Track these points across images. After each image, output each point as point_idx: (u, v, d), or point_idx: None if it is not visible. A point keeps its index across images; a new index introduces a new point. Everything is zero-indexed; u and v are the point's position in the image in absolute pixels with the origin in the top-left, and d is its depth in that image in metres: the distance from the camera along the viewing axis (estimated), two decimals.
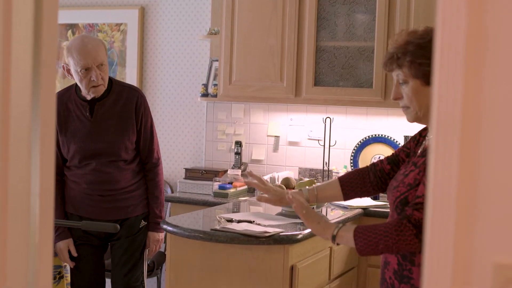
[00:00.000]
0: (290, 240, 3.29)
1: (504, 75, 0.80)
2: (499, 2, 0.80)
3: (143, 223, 3.84)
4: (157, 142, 3.92)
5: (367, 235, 2.39)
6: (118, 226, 3.13)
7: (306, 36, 4.76)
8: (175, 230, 3.42)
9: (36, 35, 0.91)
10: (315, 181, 3.98)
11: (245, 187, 4.95)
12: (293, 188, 3.95)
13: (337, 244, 2.54)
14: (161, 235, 3.90)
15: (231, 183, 4.89)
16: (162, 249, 5.18)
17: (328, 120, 4.99)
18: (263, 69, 4.86)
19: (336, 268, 3.90)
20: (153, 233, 3.86)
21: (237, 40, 4.92)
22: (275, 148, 5.27)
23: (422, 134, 2.61)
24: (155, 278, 5.16)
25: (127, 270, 3.82)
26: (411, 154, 2.61)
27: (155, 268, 4.94)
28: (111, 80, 3.78)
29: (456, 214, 0.82)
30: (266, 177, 4.89)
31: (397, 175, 2.51)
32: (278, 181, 4.67)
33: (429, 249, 0.84)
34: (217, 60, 5.28)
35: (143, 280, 3.90)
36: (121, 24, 5.73)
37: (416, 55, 2.37)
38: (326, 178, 4.97)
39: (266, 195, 2.89)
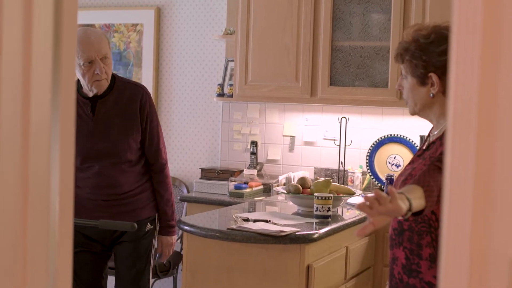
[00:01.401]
0: (306, 240, 3.30)
1: None
2: None
3: (149, 226, 3.62)
4: (164, 141, 3.69)
5: (429, 190, 2.22)
6: (136, 225, 3.00)
7: (322, 36, 4.76)
8: (191, 229, 3.43)
9: (56, 36, 0.92)
10: (331, 181, 3.98)
11: (261, 187, 4.95)
12: (309, 188, 3.95)
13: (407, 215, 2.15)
14: (174, 238, 3.70)
15: (246, 183, 4.90)
16: (178, 249, 5.20)
17: (343, 120, 4.99)
18: (279, 69, 4.86)
19: (352, 267, 3.90)
20: (166, 237, 3.67)
21: (253, 40, 4.93)
22: (291, 148, 5.27)
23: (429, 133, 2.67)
24: (171, 278, 5.17)
25: (133, 276, 3.60)
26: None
27: (171, 268, 4.95)
28: (113, 77, 3.55)
29: (473, 209, 0.83)
30: (282, 177, 4.90)
31: (404, 170, 2.54)
32: (294, 181, 4.68)
33: (445, 245, 0.84)
34: (232, 60, 5.29)
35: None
36: (137, 24, 5.75)
37: (414, 56, 2.44)
38: (342, 178, 4.97)
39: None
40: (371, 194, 2.04)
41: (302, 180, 4.02)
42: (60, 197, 0.95)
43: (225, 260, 3.38)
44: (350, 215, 4.02)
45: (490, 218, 0.82)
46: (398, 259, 2.47)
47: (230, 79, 5.34)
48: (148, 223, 3.61)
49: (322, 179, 4.01)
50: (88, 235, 3.53)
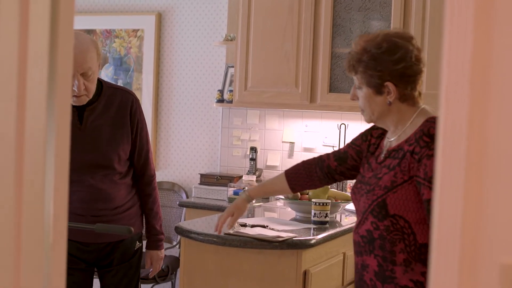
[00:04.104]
0: (304, 245, 3.30)
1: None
2: (507, 15, 0.81)
3: (138, 244, 3.42)
4: (152, 151, 3.46)
5: None
6: (132, 229, 2.89)
7: (322, 43, 4.77)
8: (189, 234, 3.43)
9: (52, 41, 0.93)
10: (329, 187, 3.98)
11: None
12: (307, 194, 3.96)
13: None
14: (163, 252, 3.54)
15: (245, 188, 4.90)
16: (176, 254, 5.20)
17: (342, 126, 5.00)
18: (279, 75, 4.87)
19: (349, 273, 3.89)
20: (155, 251, 3.49)
21: (253, 46, 4.94)
22: (290, 154, 5.28)
23: (374, 135, 2.66)
24: (170, 283, 5.18)
25: None
26: (364, 154, 2.66)
27: (170, 273, 4.95)
28: (100, 82, 3.29)
29: (463, 215, 0.83)
30: None
31: (367, 179, 2.53)
32: None
33: (436, 250, 0.85)
34: (233, 66, 5.30)
35: None
36: (138, 30, 5.77)
37: (368, 66, 2.44)
38: (341, 184, 4.97)
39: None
40: None
41: None
42: (55, 201, 0.96)
43: (223, 265, 3.38)
44: (347, 221, 4.02)
45: (481, 225, 0.82)
46: (369, 266, 2.48)
47: (230, 85, 5.34)
48: (137, 241, 3.43)
49: None
50: (72, 253, 3.26)
